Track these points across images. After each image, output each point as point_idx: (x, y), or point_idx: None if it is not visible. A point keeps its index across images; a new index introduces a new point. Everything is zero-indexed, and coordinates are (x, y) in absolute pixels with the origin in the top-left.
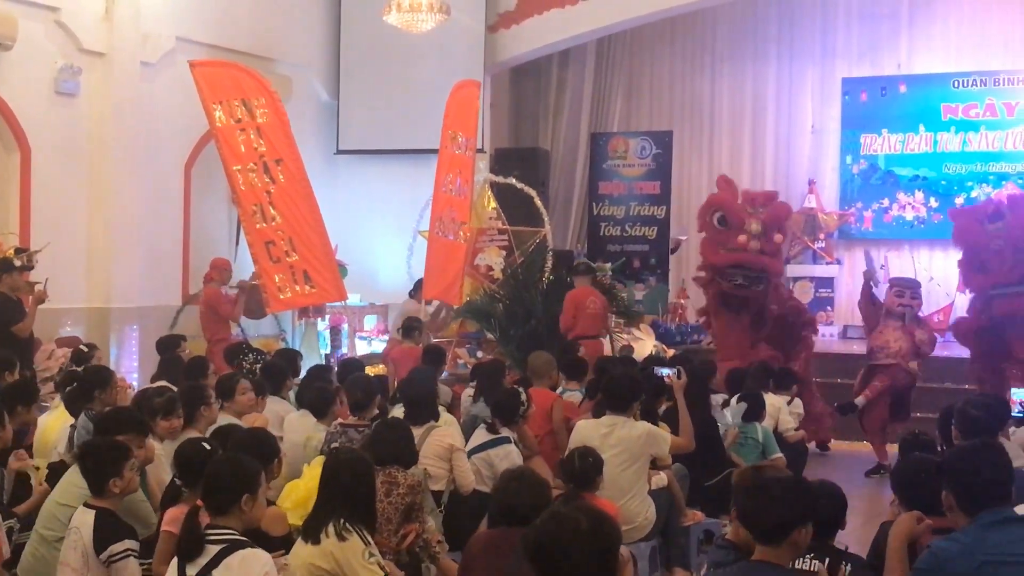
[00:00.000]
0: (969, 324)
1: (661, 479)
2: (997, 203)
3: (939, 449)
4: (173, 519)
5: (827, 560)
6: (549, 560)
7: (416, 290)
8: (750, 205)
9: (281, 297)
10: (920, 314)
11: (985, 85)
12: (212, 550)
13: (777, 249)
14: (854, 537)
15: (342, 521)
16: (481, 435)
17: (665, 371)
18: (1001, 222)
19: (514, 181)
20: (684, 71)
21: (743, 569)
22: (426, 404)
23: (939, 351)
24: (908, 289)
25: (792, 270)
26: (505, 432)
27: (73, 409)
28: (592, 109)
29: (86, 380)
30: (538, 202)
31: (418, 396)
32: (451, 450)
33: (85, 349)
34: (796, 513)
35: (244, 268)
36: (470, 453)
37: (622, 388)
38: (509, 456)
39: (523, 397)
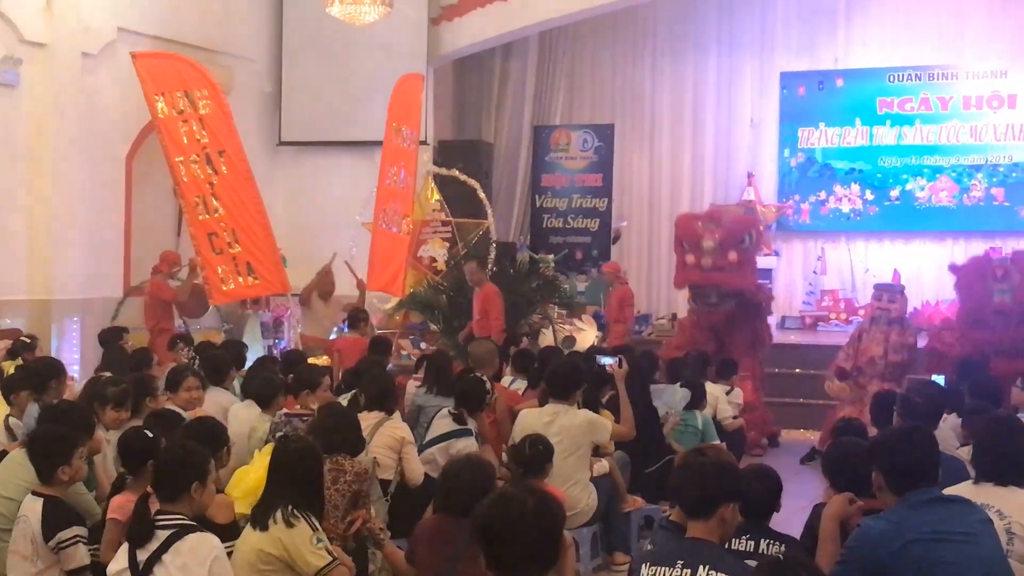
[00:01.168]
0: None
1: (603, 466)
2: (1005, 267)
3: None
4: (118, 507)
5: (762, 541)
6: (496, 539)
7: None
8: (711, 221)
9: (224, 289)
10: (906, 316)
11: (920, 79)
12: (162, 535)
13: (735, 264)
14: (790, 521)
15: (290, 508)
16: (445, 424)
17: (607, 360)
18: (1007, 283)
19: (457, 173)
20: (625, 64)
21: (677, 545)
22: (390, 397)
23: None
24: (886, 292)
25: None
26: (471, 423)
27: (9, 400)
28: (535, 102)
29: (40, 371)
30: (481, 194)
31: (383, 390)
32: (402, 443)
33: (27, 340)
34: (722, 488)
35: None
36: (432, 441)
37: (564, 377)
38: (468, 449)
39: (488, 385)
